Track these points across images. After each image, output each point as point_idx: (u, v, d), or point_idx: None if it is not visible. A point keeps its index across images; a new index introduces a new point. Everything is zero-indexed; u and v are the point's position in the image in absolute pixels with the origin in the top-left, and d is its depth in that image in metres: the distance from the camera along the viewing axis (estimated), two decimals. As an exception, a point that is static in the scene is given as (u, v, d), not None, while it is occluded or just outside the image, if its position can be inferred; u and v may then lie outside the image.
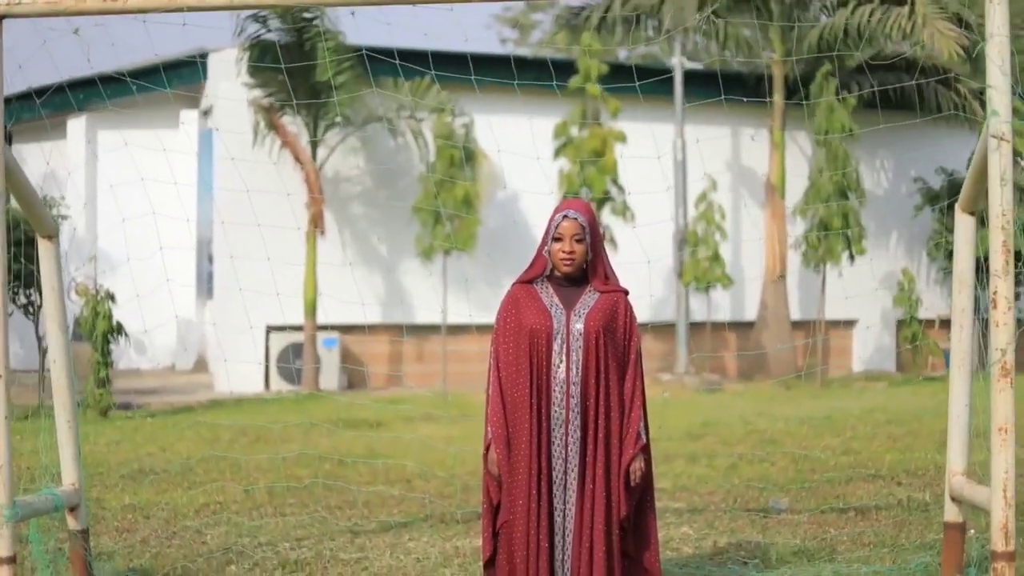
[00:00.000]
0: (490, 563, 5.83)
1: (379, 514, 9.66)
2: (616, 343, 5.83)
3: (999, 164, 6.17)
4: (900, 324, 25.18)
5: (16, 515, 6.46)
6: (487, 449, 5.77)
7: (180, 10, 6.42)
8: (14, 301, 19.93)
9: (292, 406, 19.34)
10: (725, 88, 22.77)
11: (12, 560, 6.41)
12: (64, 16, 6.62)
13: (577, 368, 5.73)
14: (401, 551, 8.23)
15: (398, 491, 10.74)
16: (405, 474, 11.68)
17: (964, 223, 7.15)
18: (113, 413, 18.10)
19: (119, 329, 18.59)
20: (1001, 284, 6.14)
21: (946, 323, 26.26)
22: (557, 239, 5.79)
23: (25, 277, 19.53)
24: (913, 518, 9.08)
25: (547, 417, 5.72)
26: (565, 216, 5.81)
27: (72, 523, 7.24)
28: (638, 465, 5.76)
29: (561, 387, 5.73)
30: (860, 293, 23.96)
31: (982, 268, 20.08)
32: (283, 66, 19.79)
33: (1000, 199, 6.17)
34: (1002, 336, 6.14)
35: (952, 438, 7.23)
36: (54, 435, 7.27)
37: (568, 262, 5.78)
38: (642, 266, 19.82)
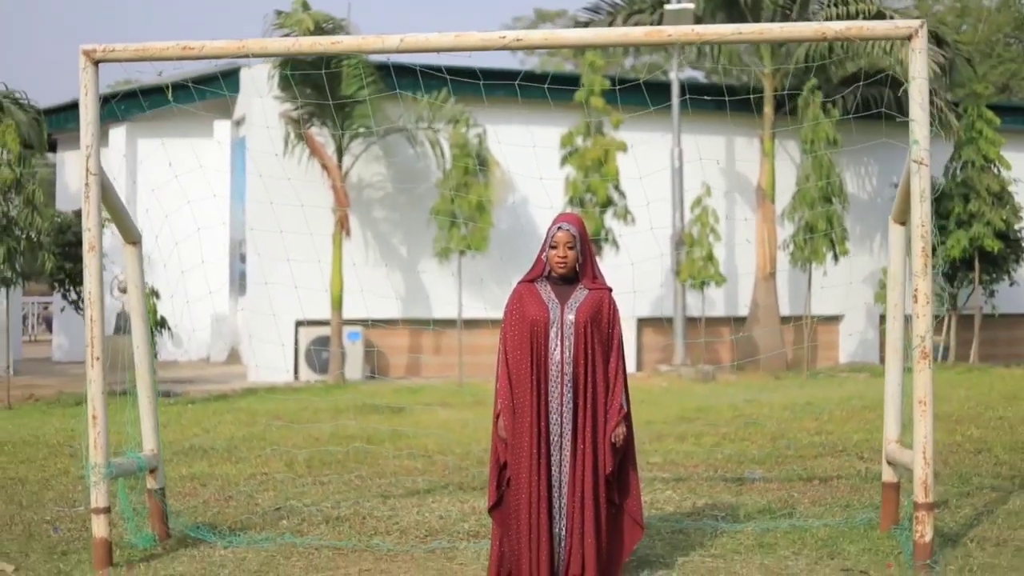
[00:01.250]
0: (494, 508, 6.96)
1: (405, 482, 10.76)
2: (601, 331, 6.94)
3: (919, 184, 7.25)
4: (883, 319, 26.07)
5: (111, 473, 7.60)
6: (497, 417, 6.90)
7: (247, 55, 7.54)
8: (65, 297, 20.95)
9: (320, 394, 20.32)
10: (719, 101, 23.66)
11: (107, 510, 7.55)
12: (149, 61, 7.75)
13: (569, 351, 6.85)
14: (426, 510, 9.33)
15: (421, 464, 11.86)
16: (427, 450, 12.76)
17: (896, 232, 8.18)
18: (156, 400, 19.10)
19: (163, 323, 19.57)
20: (921, 283, 7.21)
21: (924, 318, 27.32)
22: (553, 246, 6.90)
23: (75, 276, 20.58)
24: (868, 485, 10.10)
25: (545, 391, 6.83)
26: (560, 228, 6.91)
27: (151, 483, 8.38)
28: (621, 430, 6.87)
29: (556, 367, 6.85)
30: (845, 291, 25.01)
31: (959, 268, 21.07)
32: (328, 104, 20.82)
33: (920, 213, 7.25)
34: (921, 325, 7.22)
35: (888, 412, 8.28)
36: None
37: (562, 265, 6.90)
38: (641, 264, 20.94)
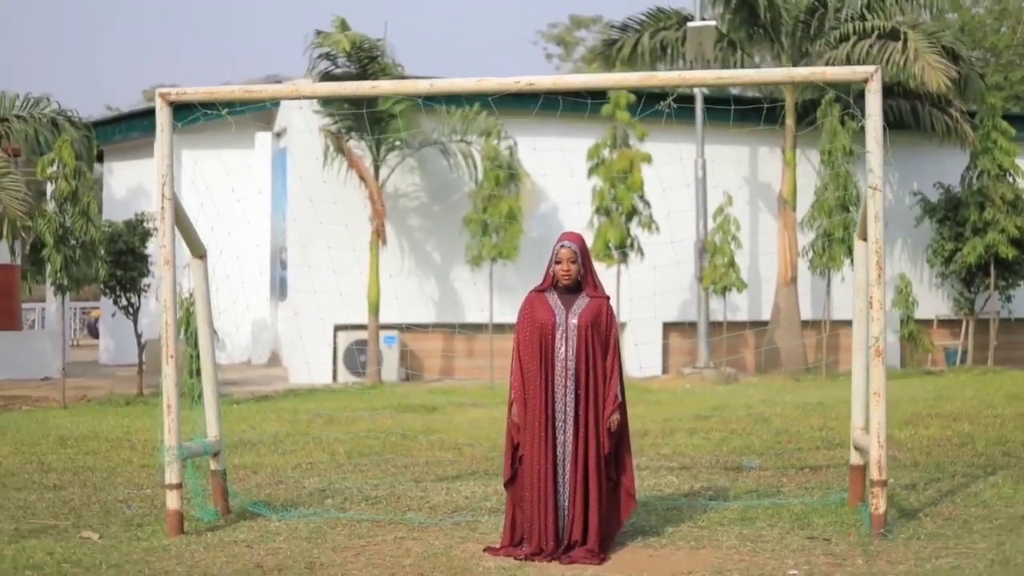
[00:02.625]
0: (509, 483, 8.38)
1: (436, 469, 12.16)
2: (600, 333, 8.32)
3: (874, 206, 8.57)
4: (902, 323, 27.14)
5: (183, 454, 9.02)
6: (511, 405, 8.30)
7: (301, 97, 8.96)
8: (116, 303, 22.30)
9: (358, 395, 21.70)
10: (742, 112, 24.75)
11: (179, 486, 8.96)
12: (216, 101, 9.17)
13: (572, 350, 8.24)
14: (454, 491, 10.72)
15: (451, 454, 13.26)
16: (457, 443, 14.14)
17: (860, 247, 9.48)
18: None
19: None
20: (875, 291, 8.55)
21: (944, 323, 28.55)
22: (558, 262, 8.31)
23: (125, 283, 22.00)
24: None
25: (552, 383, 8.23)
26: (563, 246, 8.33)
27: (214, 465, 9.80)
28: (616, 417, 8.26)
29: (562, 363, 8.24)
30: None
31: (976, 274, 22.46)
32: (364, 118, 22.17)
33: (874, 231, 8.58)
34: (875, 328, 8.56)
35: (854, 403, 9.64)
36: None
37: (566, 277, 8.30)
38: (665, 270, 22.37)
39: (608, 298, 8.46)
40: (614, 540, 8.40)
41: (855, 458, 9.61)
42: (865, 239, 9.37)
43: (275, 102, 26.17)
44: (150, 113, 30.21)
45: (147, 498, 10.64)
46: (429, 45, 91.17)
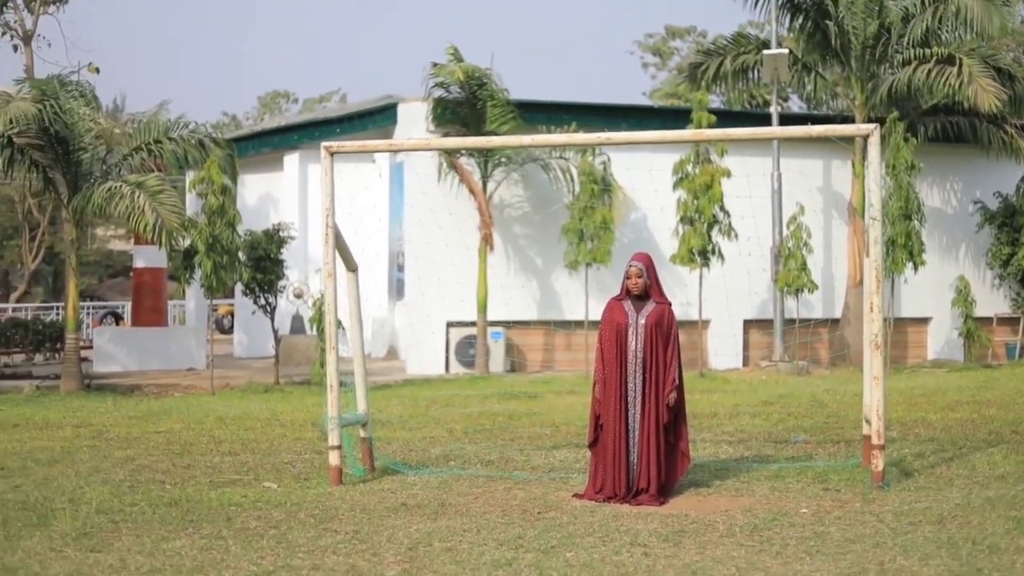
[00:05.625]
0: (592, 444, 10.86)
1: (537, 441, 14.64)
2: (663, 331, 10.75)
3: (874, 232, 10.90)
4: (964, 320, 29.05)
5: (341, 422, 11.58)
6: (594, 385, 10.77)
7: (429, 149, 11.43)
8: (255, 302, 24.96)
9: (468, 384, 24.07)
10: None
11: (339, 447, 11.52)
12: (367, 152, 11.71)
13: (641, 343, 10.67)
14: (551, 457, 13.19)
15: (549, 431, 15.72)
16: (554, 423, 16.61)
17: (865, 263, 11.78)
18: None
19: (338, 323, 23.41)
20: (875, 298, 10.88)
21: (1003, 320, 30.51)
22: (628, 277, 10.76)
23: (264, 285, 24.67)
24: (880, 445, 13.68)
25: (625, 369, 10.67)
26: (632, 265, 10.78)
27: (363, 433, 12.36)
28: (673, 395, 10.67)
29: (633, 354, 10.68)
30: (935, 295, 28.50)
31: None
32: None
33: (875, 252, 10.91)
34: (874, 326, 10.89)
35: (866, 386, 11.92)
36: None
37: (635, 288, 10.74)
38: (745, 274, 24.69)
39: (670, 304, 10.90)
40: (672, 489, 10.81)
41: (866, 429, 11.92)
42: (867, 255, 11.68)
43: (394, 120, 28.71)
44: (278, 131, 33.29)
45: (307, 461, 13.20)
46: (532, 60, 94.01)
